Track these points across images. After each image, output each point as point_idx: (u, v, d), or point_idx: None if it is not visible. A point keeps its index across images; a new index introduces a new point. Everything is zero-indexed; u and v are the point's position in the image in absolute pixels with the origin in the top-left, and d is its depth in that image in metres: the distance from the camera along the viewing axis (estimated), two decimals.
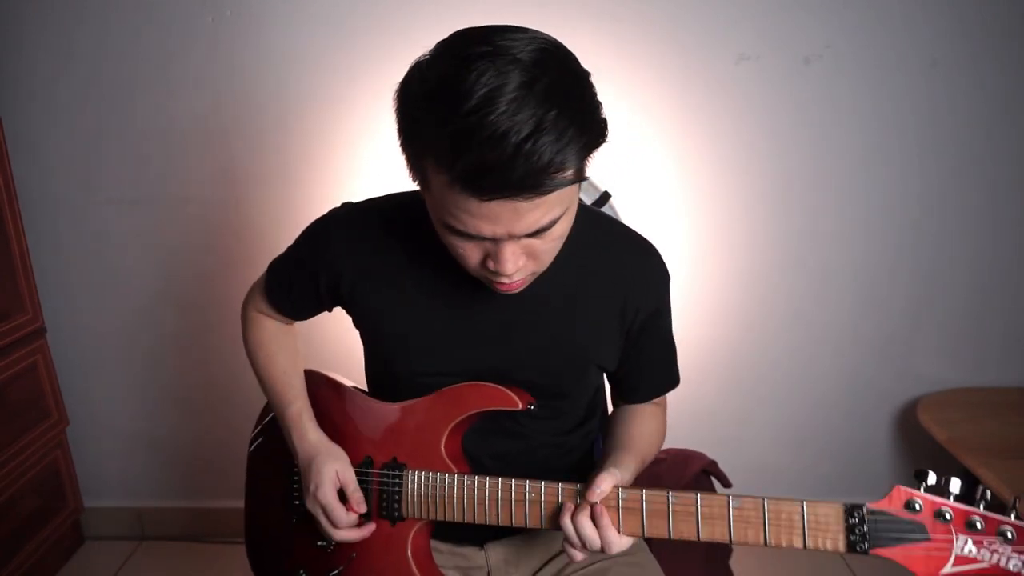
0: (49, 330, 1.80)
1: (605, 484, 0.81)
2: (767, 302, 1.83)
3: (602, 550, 0.81)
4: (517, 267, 0.75)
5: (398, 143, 0.74)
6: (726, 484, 1.27)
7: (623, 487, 0.82)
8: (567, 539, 0.82)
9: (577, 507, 0.82)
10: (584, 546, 0.81)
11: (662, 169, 1.72)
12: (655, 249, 0.96)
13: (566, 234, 0.78)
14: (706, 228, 1.78)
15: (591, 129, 0.69)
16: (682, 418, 1.70)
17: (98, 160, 1.75)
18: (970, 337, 1.86)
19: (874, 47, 1.65)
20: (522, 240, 0.73)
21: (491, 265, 0.76)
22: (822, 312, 1.84)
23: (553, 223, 0.72)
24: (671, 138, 1.70)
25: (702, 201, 1.75)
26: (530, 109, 0.64)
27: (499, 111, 0.64)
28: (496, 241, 0.73)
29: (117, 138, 1.73)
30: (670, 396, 1.06)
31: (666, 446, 1.33)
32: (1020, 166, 1.73)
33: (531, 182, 0.66)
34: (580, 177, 0.71)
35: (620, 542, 0.81)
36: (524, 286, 0.81)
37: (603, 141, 0.72)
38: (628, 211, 1.60)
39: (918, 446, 1.92)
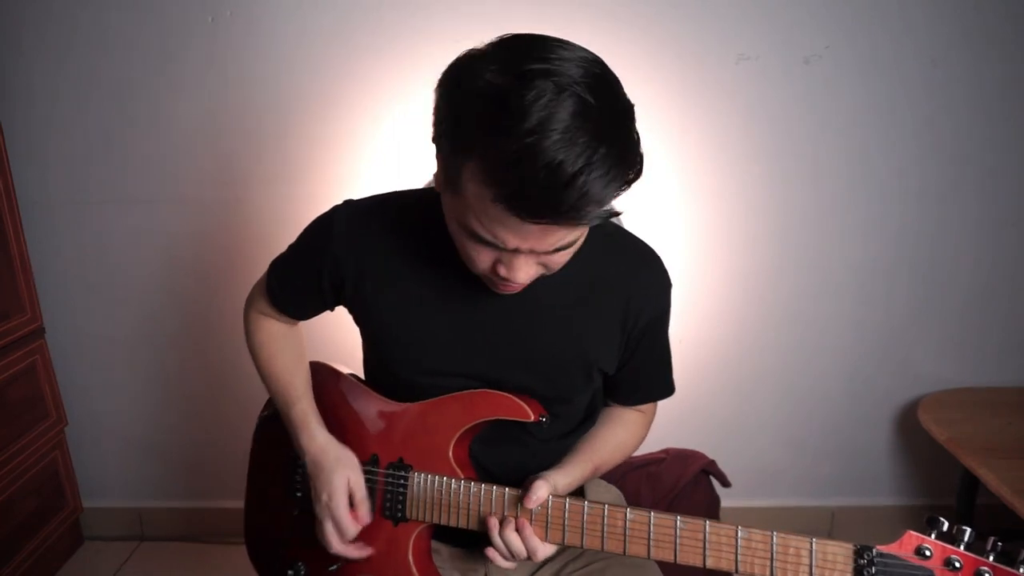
0: (48, 330, 1.80)
1: (542, 492, 0.85)
2: (767, 302, 1.83)
3: (529, 558, 0.86)
4: (529, 276, 0.77)
5: (432, 132, 0.74)
6: (725, 484, 1.27)
7: (557, 496, 0.86)
8: (497, 552, 0.87)
9: (503, 522, 0.86)
10: (512, 556, 0.86)
11: (662, 169, 1.72)
12: (658, 256, 0.96)
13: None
14: (706, 228, 1.78)
15: (632, 167, 0.73)
16: (682, 418, 1.71)
17: (98, 160, 1.75)
18: (970, 337, 1.86)
19: (874, 47, 1.65)
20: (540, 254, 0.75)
21: (502, 271, 0.77)
22: (822, 312, 1.84)
23: (574, 242, 0.75)
24: (671, 138, 1.70)
25: (702, 201, 1.75)
26: (583, 141, 0.65)
27: (553, 139, 0.64)
28: (515, 251, 0.74)
29: (117, 138, 1.73)
30: (670, 399, 1.05)
31: (666, 446, 1.34)
32: (1020, 166, 1.73)
33: (577, 214, 0.68)
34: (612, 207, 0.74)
35: (544, 549, 0.86)
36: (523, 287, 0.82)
37: (638, 178, 0.75)
38: (627, 211, 1.61)
39: (918, 446, 1.92)
